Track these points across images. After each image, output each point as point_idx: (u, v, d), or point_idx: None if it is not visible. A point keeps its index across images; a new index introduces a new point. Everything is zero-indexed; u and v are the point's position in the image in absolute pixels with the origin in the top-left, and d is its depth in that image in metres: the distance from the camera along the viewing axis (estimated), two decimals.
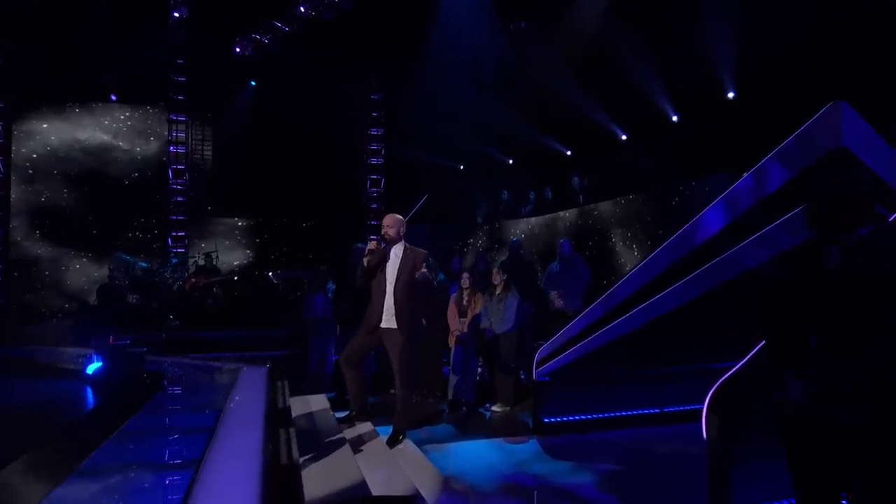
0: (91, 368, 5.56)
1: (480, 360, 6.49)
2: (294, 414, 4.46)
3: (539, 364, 5.45)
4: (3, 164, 12.22)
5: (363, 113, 14.36)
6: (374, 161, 14.37)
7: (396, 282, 4.28)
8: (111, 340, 9.61)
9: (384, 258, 4.39)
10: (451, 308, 6.37)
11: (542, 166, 11.73)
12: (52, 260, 12.89)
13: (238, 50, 13.10)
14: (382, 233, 4.35)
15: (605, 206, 10.29)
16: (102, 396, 4.76)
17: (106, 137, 13.35)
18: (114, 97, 13.26)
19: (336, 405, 5.25)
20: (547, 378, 5.48)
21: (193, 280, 10.82)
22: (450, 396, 6.16)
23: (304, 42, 12.54)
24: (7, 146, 12.44)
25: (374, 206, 14.24)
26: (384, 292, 4.29)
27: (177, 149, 13.15)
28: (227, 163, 13.75)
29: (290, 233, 13.83)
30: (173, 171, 13.12)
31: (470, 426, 5.35)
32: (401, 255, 4.36)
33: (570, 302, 6.81)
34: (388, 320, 4.34)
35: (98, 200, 13.15)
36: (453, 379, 6.15)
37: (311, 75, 13.06)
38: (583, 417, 5.41)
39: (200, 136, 13.81)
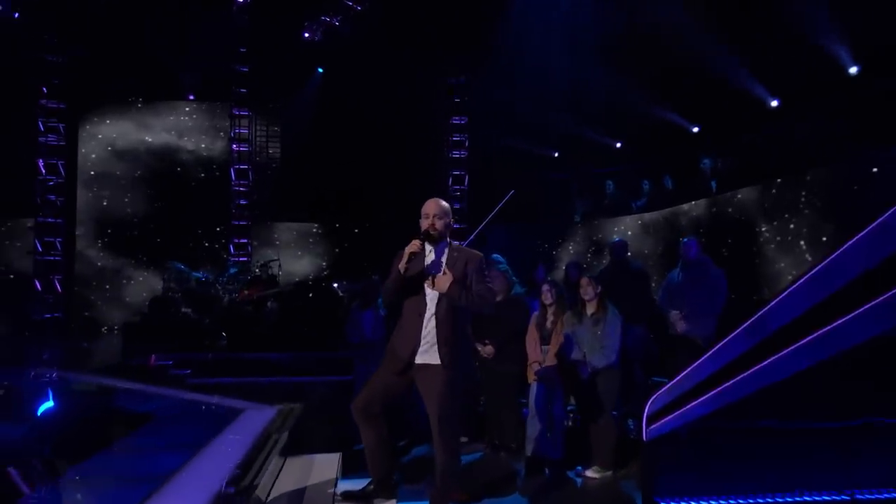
0: (42, 409, 4.43)
1: (571, 403, 5.24)
2: (279, 489, 3.27)
3: (654, 415, 4.12)
4: (64, 168, 12.13)
5: (443, 99, 13.53)
6: (456, 154, 13.49)
7: (440, 299, 3.40)
8: (152, 361, 9.26)
9: (420, 264, 3.51)
10: (531, 332, 5.16)
11: (661, 148, 10.56)
12: (115, 271, 12.88)
13: (307, 35, 12.52)
14: (427, 226, 3.45)
15: (748, 194, 8.49)
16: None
17: (170, 137, 13.25)
18: (191, 96, 13.31)
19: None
20: (666, 436, 3.95)
21: (246, 292, 10.33)
22: (528, 452, 5.00)
23: (377, 22, 11.77)
24: (71, 149, 12.50)
25: (458, 205, 13.37)
26: (421, 314, 3.43)
27: (240, 147, 12.91)
28: (296, 161, 13.39)
29: (365, 239, 13.07)
30: (236, 171, 12.90)
31: (554, 497, 4.31)
32: (445, 259, 3.47)
33: (700, 324, 5.33)
34: (427, 353, 3.46)
35: (162, 205, 13.01)
36: (533, 428, 4.99)
37: (385, 59, 12.36)
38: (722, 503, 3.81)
39: (265, 133, 13.50)
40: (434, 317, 3.48)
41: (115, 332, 12.08)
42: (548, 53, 10.48)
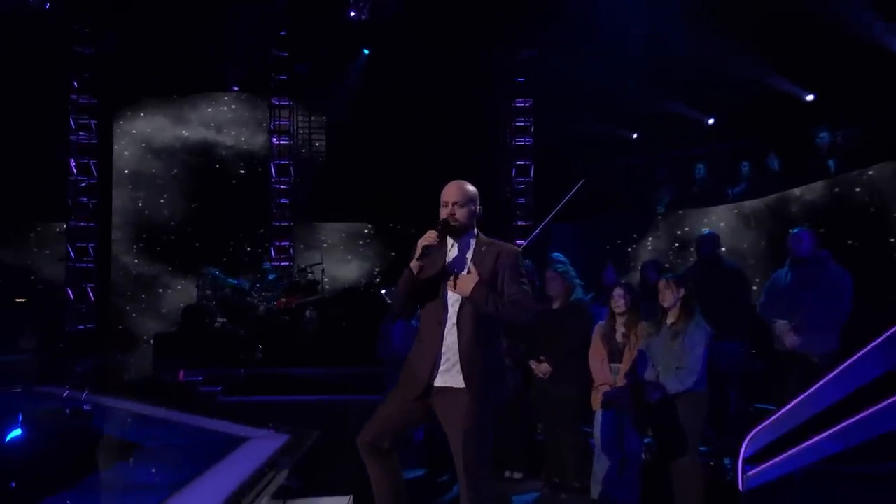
0: (10, 436, 4.22)
1: (648, 435, 4.78)
2: None
3: (756, 455, 3.73)
4: (96, 168, 12.36)
5: (505, 80, 13.09)
6: (520, 142, 13.01)
7: (464, 305, 3.09)
8: (181, 377, 9.28)
9: (439, 261, 3.21)
10: (597, 346, 4.80)
11: (765, 122, 9.80)
12: (152, 278, 13.04)
13: (352, 14, 12.30)
14: (446, 215, 3.13)
15: (882, 172, 7.57)
16: None
17: (208, 131, 13.38)
18: (235, 87, 13.38)
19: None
20: (771, 483, 3.48)
21: (284, 300, 10.27)
22: (593, 494, 4.66)
23: None
24: (104, 147, 12.68)
25: (522, 200, 12.92)
26: (440, 322, 3.10)
27: (280, 140, 12.81)
28: (343, 154, 13.25)
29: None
30: (276, 167, 12.81)
31: None
32: (471, 254, 3.15)
33: (816, 338, 4.68)
34: (448, 373, 3.11)
35: (200, 205, 13.11)
36: (601, 465, 4.65)
37: (439, 37, 12.09)
38: None
39: (308, 124, 13.46)
40: (456, 327, 3.12)
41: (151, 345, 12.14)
42: (623, 17, 9.86)
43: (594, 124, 11.75)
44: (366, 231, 13.57)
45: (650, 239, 10.66)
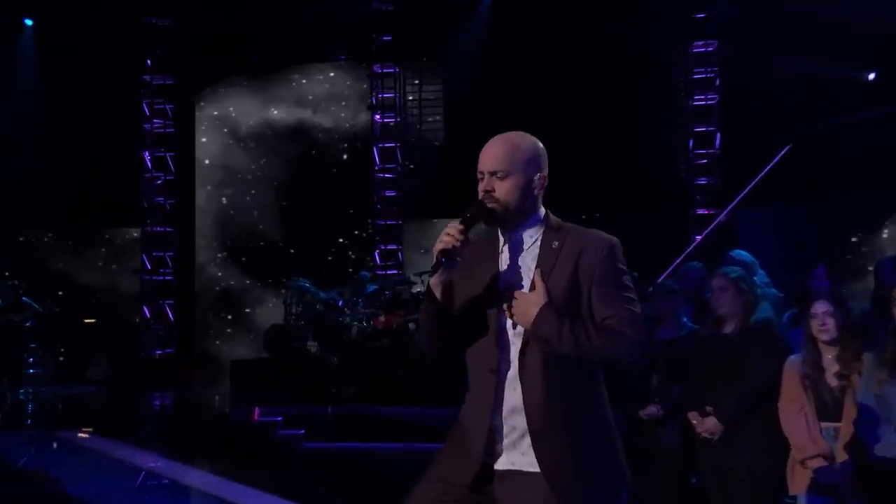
0: None
1: None
2: None
3: None
4: (173, 162, 12.79)
5: (677, 18, 12.35)
6: (699, 101, 12.24)
7: (530, 340, 2.58)
8: (255, 415, 9.36)
9: (483, 270, 2.71)
10: (793, 391, 3.98)
11: None
12: (241, 292, 13.29)
13: None
14: (483, 193, 2.61)
15: None
16: None
17: (302, 111, 13.61)
18: (340, 57, 13.40)
19: None
20: None
21: (384, 318, 10.24)
22: None
23: None
24: (184, 136, 13.10)
25: (703, 180, 12.03)
26: (493, 371, 2.59)
27: (383, 119, 12.70)
28: (465, 132, 12.52)
29: None
30: (380, 151, 12.71)
31: None
32: (535, 254, 2.65)
33: None
34: (516, 451, 2.59)
35: (293, 202, 13.24)
36: None
37: None
38: None
39: (417, 96, 13.19)
40: (520, 376, 2.49)
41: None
42: None
43: (806, 65, 10.77)
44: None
45: (887, 229, 9.40)
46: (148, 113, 12.83)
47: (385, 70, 12.67)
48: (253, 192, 13.44)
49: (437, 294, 2.57)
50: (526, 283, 2.54)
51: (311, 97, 13.49)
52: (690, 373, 4.40)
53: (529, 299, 2.50)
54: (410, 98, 13.33)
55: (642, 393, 4.75)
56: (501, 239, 2.64)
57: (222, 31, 12.74)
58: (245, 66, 13.35)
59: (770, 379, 4.08)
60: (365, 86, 13.21)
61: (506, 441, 2.51)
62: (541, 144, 2.64)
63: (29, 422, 10.51)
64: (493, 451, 2.53)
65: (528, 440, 2.49)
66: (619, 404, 4.89)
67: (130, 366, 12.34)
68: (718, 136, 12.08)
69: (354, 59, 13.37)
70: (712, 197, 11.69)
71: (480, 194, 2.57)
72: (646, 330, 2.67)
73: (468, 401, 2.70)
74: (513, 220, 2.59)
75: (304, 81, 13.52)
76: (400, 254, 12.66)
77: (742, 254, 5.19)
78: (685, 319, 4.94)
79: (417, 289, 10.75)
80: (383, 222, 12.61)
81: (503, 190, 2.55)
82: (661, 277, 6.41)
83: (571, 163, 11.68)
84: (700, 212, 11.77)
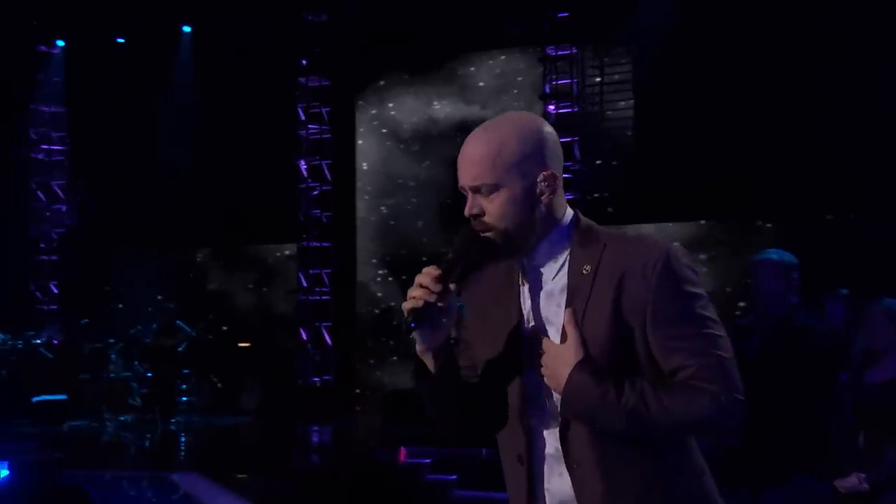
0: None
1: None
2: None
3: None
4: (330, 170, 13.02)
5: None
6: None
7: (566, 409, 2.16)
8: (402, 456, 9.13)
9: (491, 311, 2.34)
10: None
11: None
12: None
13: None
14: (469, 216, 2.25)
15: None
16: None
17: (469, 109, 13.47)
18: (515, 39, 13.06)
19: None
20: None
21: None
22: None
23: None
24: (342, 142, 13.31)
25: None
26: (522, 458, 2.21)
27: (558, 109, 12.23)
28: (659, 122, 12.28)
29: (812, 240, 11.12)
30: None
31: None
32: (562, 282, 2.19)
33: None
34: None
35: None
36: None
37: None
38: None
39: (598, 82, 12.53)
40: (567, 459, 2.14)
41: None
42: None
43: None
44: (709, 233, 12.42)
45: None
46: (303, 118, 13.07)
47: (560, 52, 12.21)
48: (414, 200, 13.34)
49: (431, 366, 2.16)
50: (555, 330, 2.11)
51: (481, 85, 13.30)
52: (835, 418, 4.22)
53: (560, 354, 2.04)
54: (595, 81, 12.74)
55: (842, 457, 4.32)
56: (522, 268, 2.22)
57: (382, 23, 12.82)
58: (406, 59, 13.40)
59: None
60: (540, 71, 12.84)
61: None
62: (538, 125, 2.15)
63: (182, 456, 10.88)
64: None
65: None
66: (805, 472, 4.13)
67: (286, 394, 12.51)
68: None
69: (526, 43, 13.05)
70: None
71: (468, 214, 2.19)
72: (737, 378, 2.02)
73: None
74: (523, 243, 2.15)
75: (471, 69, 13.37)
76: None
77: None
78: None
79: None
80: None
81: (494, 210, 2.13)
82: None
83: (805, 152, 11.36)
84: None
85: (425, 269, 2.17)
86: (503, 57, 13.31)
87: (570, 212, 2.21)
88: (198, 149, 13.21)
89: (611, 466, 2.12)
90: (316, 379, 12.71)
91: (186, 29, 13.63)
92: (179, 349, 12.10)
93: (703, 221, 12.53)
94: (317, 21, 13.04)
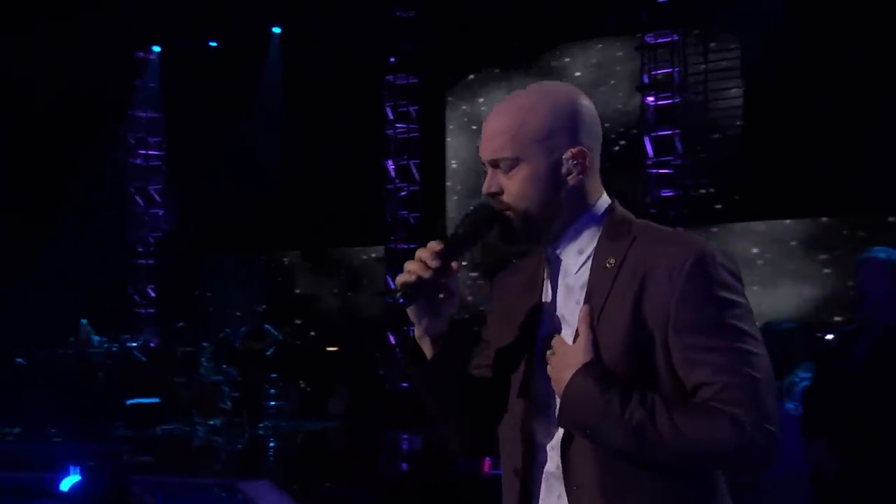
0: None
1: None
2: None
3: None
4: (418, 170, 12.92)
5: None
6: None
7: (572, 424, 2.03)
8: (486, 468, 9.46)
9: (514, 305, 2.21)
10: None
11: None
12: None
13: None
14: (487, 194, 2.06)
15: None
16: None
17: None
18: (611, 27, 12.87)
19: None
20: None
21: None
22: None
23: None
24: (431, 142, 13.13)
25: None
26: (517, 468, 2.10)
27: (657, 101, 11.83)
28: (772, 113, 11.84)
29: None
30: (653, 141, 11.87)
31: None
32: (584, 276, 2.05)
33: None
34: None
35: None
36: None
37: None
38: None
39: (702, 70, 12.12)
40: (566, 478, 1.99)
41: None
42: None
43: None
44: (831, 231, 12.05)
45: None
46: (391, 117, 13.00)
47: (660, 41, 11.85)
48: None
49: (427, 353, 2.06)
50: (571, 329, 1.99)
51: (577, 75, 13.03)
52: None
53: (567, 354, 1.92)
54: (700, 69, 12.35)
55: None
56: (546, 259, 2.12)
57: (471, 17, 12.71)
58: (497, 52, 13.25)
59: None
60: (638, 61, 12.54)
61: None
62: (572, 96, 2.02)
63: (272, 459, 10.81)
64: None
65: None
66: None
67: (373, 399, 12.38)
68: None
69: (624, 32, 12.78)
70: None
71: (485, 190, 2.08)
72: (771, 405, 1.79)
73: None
74: (545, 229, 2.01)
75: (566, 60, 13.16)
76: None
77: None
78: None
79: None
80: None
81: (513, 188, 1.99)
82: None
83: None
84: None
85: (432, 243, 2.01)
86: (600, 46, 13.11)
87: (605, 199, 2.05)
88: (286, 150, 13.32)
89: (616, 495, 1.92)
90: (405, 384, 12.49)
91: (276, 30, 13.73)
92: (268, 353, 12.10)
93: (823, 218, 12.13)
94: (404, 17, 12.97)
